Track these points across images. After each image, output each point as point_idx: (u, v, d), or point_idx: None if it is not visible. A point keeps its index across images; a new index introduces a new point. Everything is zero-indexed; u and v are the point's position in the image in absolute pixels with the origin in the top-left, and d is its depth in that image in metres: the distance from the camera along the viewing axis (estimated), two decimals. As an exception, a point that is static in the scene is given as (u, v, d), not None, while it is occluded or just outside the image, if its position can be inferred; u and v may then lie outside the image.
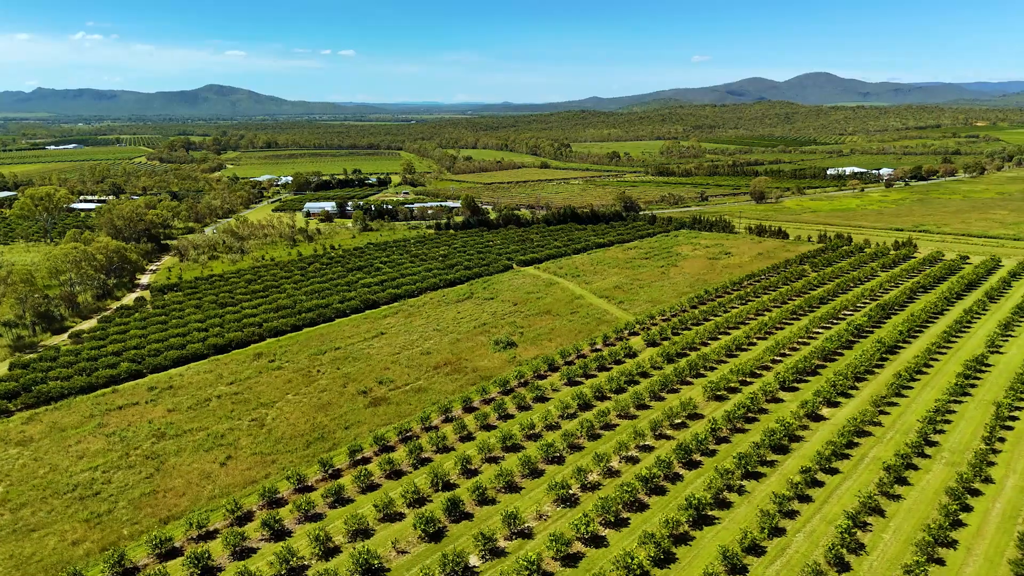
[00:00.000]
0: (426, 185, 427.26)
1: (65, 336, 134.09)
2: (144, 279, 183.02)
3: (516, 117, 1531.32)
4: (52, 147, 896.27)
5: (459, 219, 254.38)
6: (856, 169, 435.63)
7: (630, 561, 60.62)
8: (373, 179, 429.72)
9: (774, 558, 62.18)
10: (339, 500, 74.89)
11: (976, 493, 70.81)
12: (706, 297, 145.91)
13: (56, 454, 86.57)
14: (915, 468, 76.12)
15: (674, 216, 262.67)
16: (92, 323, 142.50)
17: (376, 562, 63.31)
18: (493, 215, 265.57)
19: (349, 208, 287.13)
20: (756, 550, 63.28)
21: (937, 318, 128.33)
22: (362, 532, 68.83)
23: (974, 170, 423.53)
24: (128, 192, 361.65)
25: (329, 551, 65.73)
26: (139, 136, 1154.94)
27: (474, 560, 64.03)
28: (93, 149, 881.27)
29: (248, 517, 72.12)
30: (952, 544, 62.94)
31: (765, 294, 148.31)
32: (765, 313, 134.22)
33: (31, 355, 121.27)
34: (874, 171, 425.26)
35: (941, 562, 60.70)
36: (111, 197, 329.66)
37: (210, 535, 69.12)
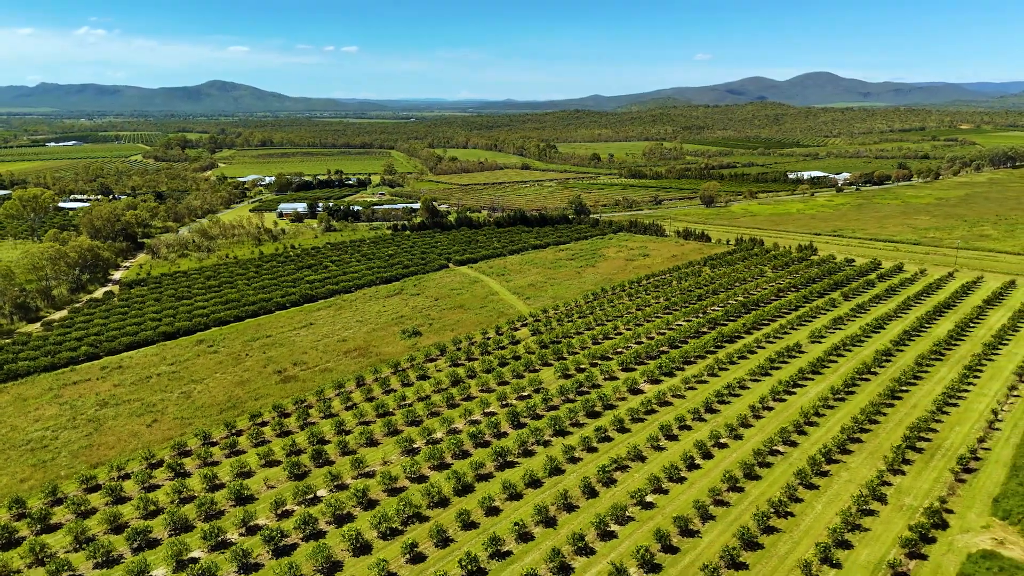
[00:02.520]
0: (404, 186, 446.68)
1: (39, 324, 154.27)
2: (117, 275, 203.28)
3: (511, 116, 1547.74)
4: (52, 144, 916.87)
5: (418, 220, 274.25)
6: (816, 173, 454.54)
7: (434, 490, 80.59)
8: (353, 180, 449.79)
9: (546, 489, 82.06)
10: (234, 452, 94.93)
11: (723, 446, 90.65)
12: (602, 294, 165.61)
13: (17, 418, 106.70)
14: (688, 428, 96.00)
15: (620, 219, 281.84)
16: (64, 313, 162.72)
17: (248, 492, 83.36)
18: (452, 217, 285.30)
19: (320, 209, 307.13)
20: (535, 484, 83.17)
21: (787, 314, 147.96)
22: (245, 474, 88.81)
23: (928, 175, 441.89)
24: (116, 192, 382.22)
25: (215, 486, 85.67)
26: (139, 133, 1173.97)
27: (322, 492, 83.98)
28: (92, 146, 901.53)
29: (159, 464, 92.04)
30: (681, 480, 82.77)
31: (656, 290, 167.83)
32: (645, 308, 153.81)
33: (6, 340, 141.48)
34: (833, 175, 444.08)
35: (665, 491, 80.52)
36: (99, 197, 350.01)
37: (127, 476, 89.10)
